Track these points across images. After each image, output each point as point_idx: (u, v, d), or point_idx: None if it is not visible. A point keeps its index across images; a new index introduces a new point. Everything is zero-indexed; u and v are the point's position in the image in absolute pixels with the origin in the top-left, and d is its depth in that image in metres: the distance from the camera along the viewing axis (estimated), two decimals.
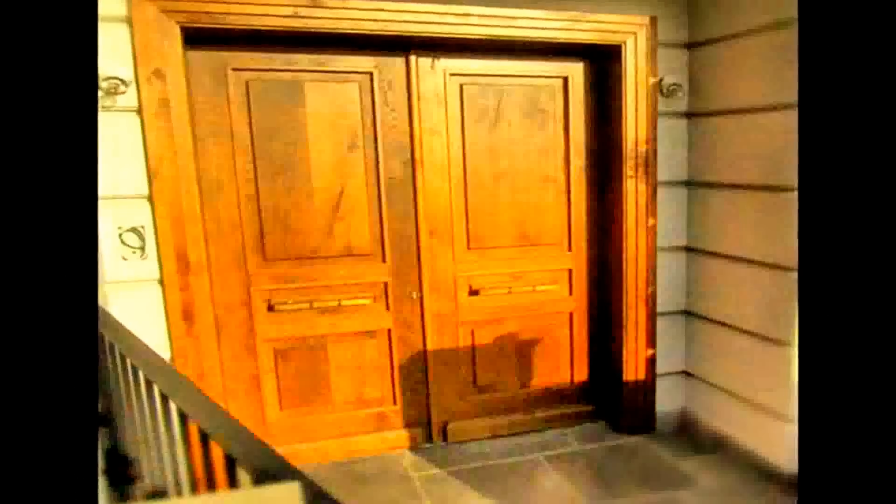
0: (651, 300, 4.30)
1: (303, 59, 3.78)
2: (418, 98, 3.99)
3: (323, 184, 3.91)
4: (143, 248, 3.43)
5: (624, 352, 4.34)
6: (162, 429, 1.84)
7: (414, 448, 4.32)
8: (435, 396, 4.35)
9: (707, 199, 4.12)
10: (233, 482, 1.36)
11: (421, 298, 4.20)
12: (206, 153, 3.69)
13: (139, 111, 3.33)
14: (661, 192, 4.20)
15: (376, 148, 3.97)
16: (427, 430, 4.38)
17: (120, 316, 2.91)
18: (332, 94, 3.85)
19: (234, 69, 3.68)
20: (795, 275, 3.52)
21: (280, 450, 1.31)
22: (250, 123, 3.75)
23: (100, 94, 3.22)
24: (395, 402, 4.31)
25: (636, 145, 4.08)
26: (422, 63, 3.97)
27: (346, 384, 4.19)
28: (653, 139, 4.11)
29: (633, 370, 4.36)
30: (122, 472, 2.43)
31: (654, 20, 3.99)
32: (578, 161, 4.33)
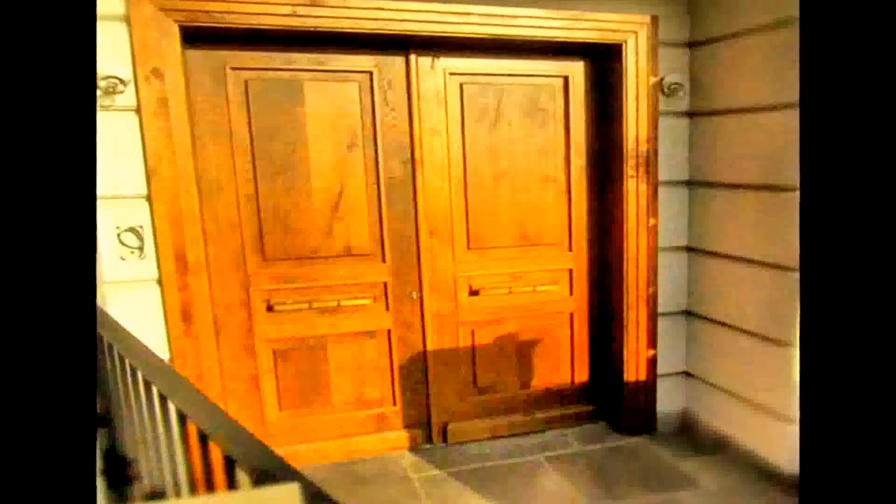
0: (652, 300, 4.29)
1: (302, 59, 3.77)
2: (418, 97, 3.98)
3: (322, 184, 3.89)
4: (141, 248, 3.41)
5: (625, 352, 4.32)
6: (161, 429, 1.83)
7: (414, 449, 4.31)
8: (435, 397, 4.33)
9: (708, 198, 4.11)
10: (232, 483, 1.36)
11: (421, 298, 4.18)
12: (204, 153, 3.67)
13: (138, 110, 3.32)
14: (661, 191, 4.19)
15: (376, 148, 3.96)
16: (427, 431, 4.37)
17: (118, 316, 2.88)
18: (331, 94, 3.84)
19: (233, 68, 3.67)
20: (797, 275, 3.51)
21: (279, 450, 1.32)
22: (249, 123, 3.74)
23: (98, 93, 3.22)
24: (394, 403, 4.30)
25: (637, 145, 4.07)
26: (422, 62, 3.96)
27: (345, 385, 4.17)
28: (654, 139, 4.10)
29: (633, 370, 4.35)
30: (121, 473, 2.43)
31: (654, 19, 3.98)
32: (579, 161, 4.32)
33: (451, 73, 4.03)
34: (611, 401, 4.55)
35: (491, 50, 4.02)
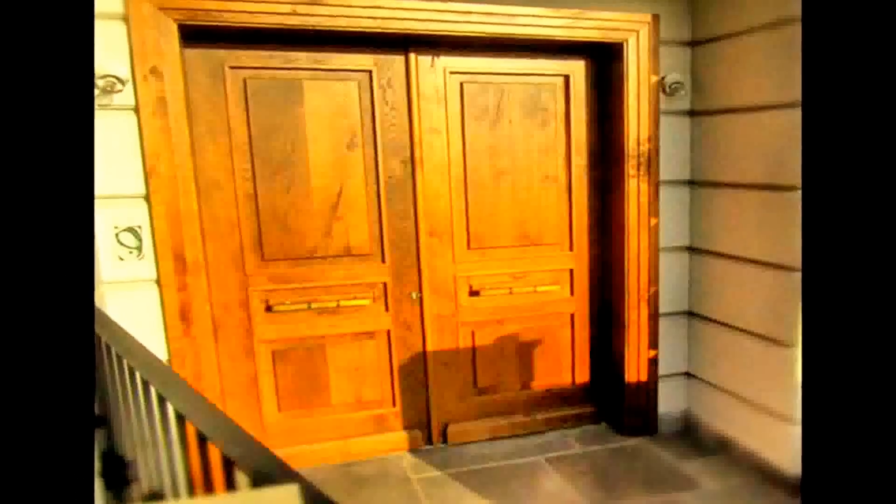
0: (653, 300, 4.27)
1: (301, 57, 3.75)
2: (418, 96, 3.96)
3: (321, 183, 3.88)
4: (139, 248, 3.40)
5: (626, 353, 4.31)
6: (159, 430, 1.82)
7: (413, 450, 4.29)
8: (435, 398, 4.32)
9: (710, 198, 4.09)
10: (230, 484, 1.35)
11: (421, 299, 4.17)
12: (203, 152, 3.66)
13: (136, 110, 3.30)
14: (663, 191, 4.18)
15: (375, 147, 3.94)
16: (427, 432, 4.35)
17: (116, 316, 2.90)
18: (330, 93, 3.83)
19: (232, 67, 3.66)
20: (799, 275, 3.50)
21: (278, 452, 1.31)
22: (248, 122, 3.72)
23: (96, 92, 3.20)
24: (394, 404, 4.28)
25: (638, 144, 4.06)
26: (421, 61, 3.94)
27: (344, 386, 4.15)
28: (655, 138, 4.08)
29: (634, 371, 4.33)
30: (119, 475, 2.42)
31: (656, 18, 3.97)
32: (580, 160, 4.30)
33: (452, 72, 4.02)
34: (612, 402, 4.53)
35: (491, 48, 4.00)
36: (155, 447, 1.91)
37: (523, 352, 4.47)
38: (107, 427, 2.53)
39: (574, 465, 4.08)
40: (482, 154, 4.14)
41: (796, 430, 3.63)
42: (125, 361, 2.04)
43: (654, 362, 4.36)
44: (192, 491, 1.74)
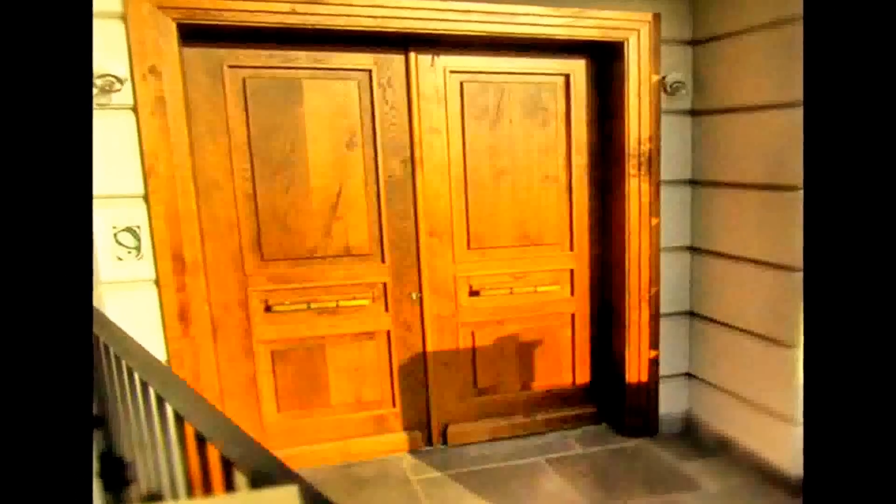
0: (654, 301, 4.26)
1: (300, 57, 3.74)
2: (418, 96, 3.95)
3: (321, 183, 3.87)
4: (138, 248, 3.39)
5: (626, 353, 4.30)
6: (157, 431, 1.82)
7: (413, 451, 4.28)
8: (435, 399, 4.31)
9: (711, 198, 4.08)
10: (229, 485, 1.35)
11: (421, 299, 4.15)
12: (202, 152, 3.65)
13: (134, 109, 3.29)
14: (664, 191, 4.17)
15: (375, 146, 3.93)
16: (427, 433, 4.34)
17: (115, 317, 2.90)
18: (330, 92, 3.82)
19: (231, 66, 3.65)
20: (800, 275, 3.49)
21: (278, 453, 1.31)
22: (247, 121, 3.71)
23: (94, 91, 3.18)
24: (394, 405, 4.27)
25: (639, 144, 4.05)
26: (421, 60, 3.93)
27: (344, 386, 4.14)
28: (656, 137, 4.07)
29: (635, 372, 4.32)
30: (117, 476, 2.41)
31: (657, 17, 3.96)
32: (580, 160, 4.29)
33: (452, 71, 4.01)
34: (612, 402, 4.52)
35: (491, 48, 4.00)
36: (154, 448, 1.91)
37: (523, 352, 4.45)
38: (105, 428, 2.53)
39: (574, 465, 4.07)
40: (482, 154, 4.13)
41: (797, 431, 3.62)
42: (124, 362, 2.04)
43: (654, 363, 4.35)
44: (190, 492, 1.73)
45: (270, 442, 3.96)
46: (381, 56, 3.87)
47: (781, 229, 3.57)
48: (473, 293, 4.27)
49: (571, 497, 3.73)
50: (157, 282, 3.44)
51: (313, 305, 3.97)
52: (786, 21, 3.41)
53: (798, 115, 3.38)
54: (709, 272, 4.18)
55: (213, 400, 3.51)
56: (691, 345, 4.41)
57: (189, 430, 1.58)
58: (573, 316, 4.50)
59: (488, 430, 4.41)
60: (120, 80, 3.19)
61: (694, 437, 4.38)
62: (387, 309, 4.13)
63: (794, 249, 3.50)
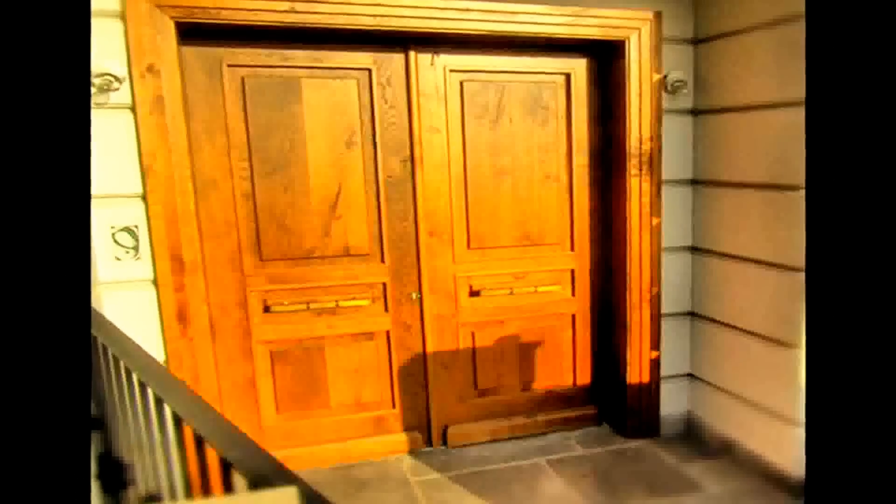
0: (655, 301, 4.25)
1: (299, 55, 3.73)
2: (418, 95, 3.94)
3: (320, 182, 3.85)
4: (136, 248, 3.38)
5: (628, 354, 4.28)
6: (156, 433, 1.82)
7: (413, 452, 4.26)
8: (435, 399, 4.29)
9: (713, 197, 4.07)
10: (228, 487, 1.35)
11: (420, 299, 4.14)
12: (200, 151, 3.63)
13: (133, 108, 3.28)
14: (665, 190, 4.16)
15: (375, 146, 3.91)
16: (427, 434, 4.32)
17: (113, 317, 2.89)
18: (329, 91, 3.80)
19: (230, 65, 3.63)
20: (803, 275, 3.47)
21: (276, 454, 1.33)
22: (246, 120, 3.69)
23: (92, 90, 3.18)
24: (393, 406, 4.25)
25: (640, 143, 4.03)
26: (421, 59, 3.92)
27: (343, 387, 4.13)
28: (657, 137, 4.06)
29: (636, 373, 4.30)
30: (116, 477, 2.42)
31: (658, 15, 3.95)
32: (581, 159, 4.27)
33: (452, 70, 3.99)
34: (614, 403, 4.51)
35: (492, 46, 3.98)
36: (152, 449, 1.91)
37: (524, 353, 4.44)
38: (104, 429, 2.53)
39: (575, 467, 4.05)
40: (482, 153, 4.11)
41: (800, 433, 3.60)
42: (122, 363, 2.04)
43: (656, 363, 4.34)
44: (189, 494, 1.73)
45: (269, 443, 3.94)
46: (381, 55, 3.85)
47: (783, 229, 3.56)
48: (473, 293, 4.25)
49: (572, 499, 3.71)
50: (155, 282, 3.42)
51: (312, 306, 3.96)
52: (788, 19, 3.40)
53: (800, 114, 3.37)
54: (710, 272, 4.16)
55: (212, 401, 3.51)
56: (693, 345, 4.39)
57: (188, 432, 1.58)
58: (574, 316, 4.48)
59: (489, 431, 4.39)
60: (118, 79, 3.18)
61: (695, 439, 4.36)
62: (386, 309, 4.11)
63: (796, 249, 3.49)
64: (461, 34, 3.74)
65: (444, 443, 4.33)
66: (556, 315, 4.45)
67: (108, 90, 3.19)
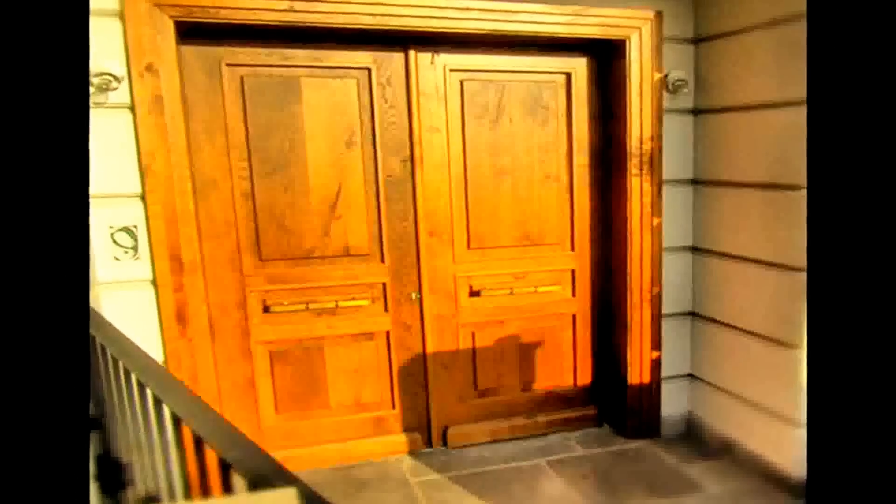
0: (656, 301, 4.24)
1: (299, 55, 3.72)
2: (417, 94, 3.93)
3: (320, 182, 3.84)
4: (135, 248, 3.37)
5: (628, 354, 4.27)
6: (155, 433, 1.82)
7: (413, 453, 4.25)
8: (435, 400, 4.28)
9: (714, 197, 4.06)
10: (228, 488, 1.35)
11: (420, 300, 4.13)
12: (199, 150, 3.62)
13: (131, 107, 3.27)
14: (666, 190, 4.15)
15: (374, 145, 3.90)
16: (426, 435, 4.31)
17: (112, 318, 2.88)
18: (329, 90, 3.79)
19: (229, 64, 3.62)
20: (804, 275, 3.46)
21: (276, 455, 1.33)
22: (245, 120, 3.68)
23: (91, 90, 3.16)
24: (393, 406, 4.24)
25: (641, 143, 4.02)
26: (421, 58, 3.91)
27: (343, 387, 4.12)
28: (658, 136, 4.05)
29: (637, 373, 4.29)
30: (115, 478, 2.42)
31: (659, 14, 3.94)
32: (581, 159, 4.26)
33: (452, 70, 3.98)
34: (614, 404, 4.50)
35: (492, 46, 3.97)
36: (151, 450, 1.91)
37: (524, 353, 4.43)
38: (102, 430, 2.53)
39: (576, 467, 4.05)
40: (482, 153, 4.10)
41: (801, 433, 3.59)
42: (121, 363, 2.04)
43: (656, 364, 4.33)
44: (188, 494, 1.74)
45: (268, 444, 3.93)
46: (381, 54, 3.84)
47: (784, 229, 3.55)
48: (474, 293, 4.24)
49: (572, 499, 3.70)
50: (154, 282, 3.41)
51: (312, 306, 3.94)
52: (789, 19, 3.39)
53: (801, 113, 3.36)
54: (711, 272, 4.15)
55: (211, 401, 3.50)
56: (693, 346, 4.38)
57: (187, 432, 1.59)
58: (574, 316, 4.47)
59: (489, 431, 4.38)
60: (117, 79, 3.17)
61: (696, 439, 4.35)
62: (386, 309, 4.10)
63: (797, 249, 3.48)
64: (461, 33, 3.73)
65: (444, 443, 4.32)
66: (557, 315, 4.44)
67: (107, 90, 3.18)
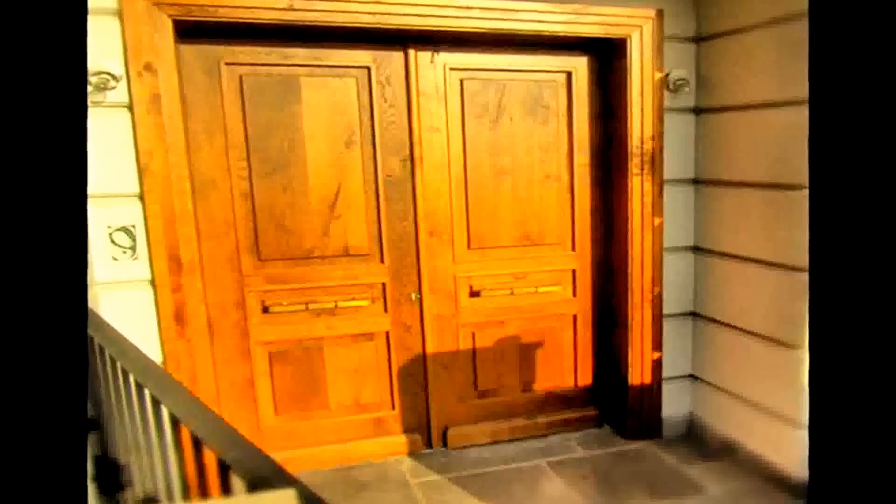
0: (657, 301, 4.22)
1: (298, 54, 3.71)
2: (417, 93, 3.91)
3: (319, 182, 3.83)
4: (133, 248, 3.36)
5: (629, 355, 4.26)
6: (153, 434, 1.82)
7: (413, 454, 4.24)
8: (435, 401, 4.27)
9: (715, 197, 4.05)
10: (226, 489, 1.35)
11: (420, 300, 4.11)
12: (198, 150, 3.61)
13: (130, 107, 3.26)
14: (667, 190, 4.13)
15: (374, 145, 3.89)
16: (426, 436, 4.30)
17: (110, 318, 2.87)
18: (328, 90, 3.78)
19: (228, 63, 3.61)
20: (805, 275, 3.44)
21: (275, 456, 1.33)
22: (244, 119, 3.67)
23: (89, 89, 3.15)
24: (393, 407, 4.23)
25: (642, 142, 4.01)
26: (421, 57, 3.89)
27: (343, 388, 4.10)
28: (659, 136, 4.03)
29: (638, 373, 4.28)
30: (113, 479, 2.43)
31: (660, 13, 3.93)
32: (582, 158, 4.25)
33: (452, 69, 3.97)
34: (615, 404, 4.48)
35: (492, 44, 3.96)
36: (149, 451, 1.91)
37: (525, 353, 4.42)
38: (100, 430, 2.55)
39: (576, 468, 4.03)
40: (483, 152, 4.09)
41: (802, 434, 3.58)
42: (119, 364, 2.05)
43: (657, 364, 4.32)
44: (187, 496, 1.74)
45: (268, 445, 3.91)
46: (380, 53, 3.83)
47: (786, 229, 3.54)
48: (474, 294, 4.23)
49: (573, 500, 3.69)
50: (152, 282, 3.40)
51: (311, 306, 3.93)
52: (791, 17, 3.38)
53: (803, 113, 3.34)
54: (712, 272, 4.14)
55: (210, 402, 3.49)
56: (695, 346, 4.37)
57: (185, 433, 1.59)
58: (575, 317, 4.46)
59: (489, 432, 4.37)
60: (115, 78, 3.16)
61: (697, 440, 4.34)
62: (386, 310, 4.09)
63: (799, 249, 3.47)
64: (461, 32, 3.71)
65: (444, 444, 4.30)
66: (557, 315, 4.43)
67: (105, 89, 3.17)
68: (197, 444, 1.50)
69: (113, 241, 3.32)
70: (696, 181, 4.18)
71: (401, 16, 3.54)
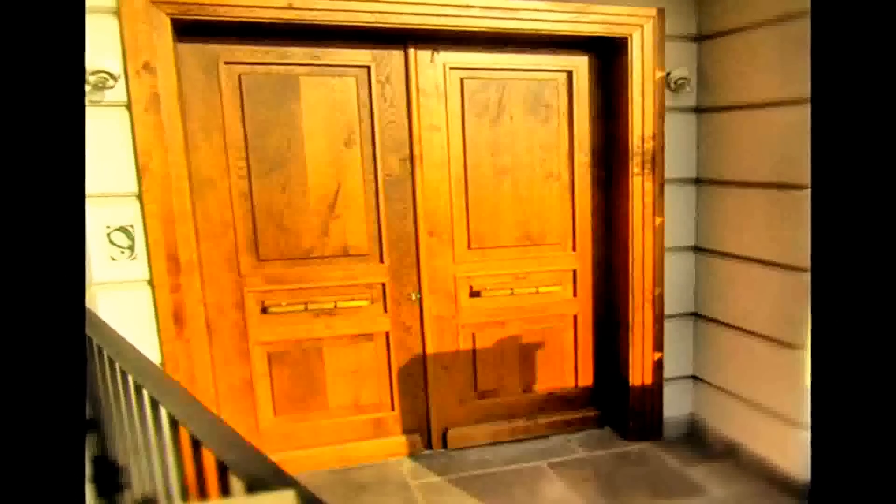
0: (658, 302, 4.21)
1: (297, 53, 3.69)
2: (417, 92, 3.90)
3: (318, 181, 3.81)
4: (132, 248, 3.35)
5: (630, 355, 4.25)
6: (152, 435, 1.82)
7: (413, 455, 4.23)
8: (434, 402, 4.26)
9: (716, 197, 4.04)
10: (225, 490, 1.35)
11: (420, 300, 4.10)
12: (197, 149, 3.60)
13: (128, 106, 3.25)
14: (668, 189, 4.13)
15: (374, 144, 3.88)
16: (426, 437, 4.29)
17: (108, 318, 2.87)
18: (327, 89, 3.77)
19: (227, 63, 3.60)
20: (808, 276, 3.45)
21: (274, 457, 1.34)
22: (243, 119, 3.66)
23: (87, 88, 3.15)
24: (393, 408, 4.22)
25: (643, 141, 4.00)
26: (421, 56, 3.88)
27: (342, 389, 4.09)
28: (660, 135, 4.03)
29: (639, 374, 4.27)
30: (111, 480, 2.42)
31: (661, 12, 3.92)
32: (583, 158, 4.24)
33: (452, 68, 3.96)
34: (616, 405, 4.47)
35: (492, 43, 3.95)
36: (148, 452, 1.90)
37: (525, 354, 4.41)
38: (98, 431, 2.55)
39: (577, 470, 4.02)
40: (483, 151, 4.08)
41: (805, 435, 3.56)
42: (117, 364, 2.04)
43: (659, 365, 4.31)
44: (185, 497, 1.74)
45: (267, 446, 3.89)
46: (380, 52, 3.82)
47: (788, 229, 3.53)
48: (474, 294, 4.22)
49: (574, 502, 3.68)
50: (150, 282, 3.39)
51: (311, 306, 3.92)
52: (793, 16, 3.38)
53: (804, 112, 3.34)
54: (714, 273, 4.13)
55: (208, 403, 3.48)
56: (696, 347, 4.36)
57: (184, 434, 1.58)
58: (576, 317, 4.45)
59: (489, 433, 4.36)
60: (113, 77, 3.16)
61: (699, 441, 4.33)
62: (385, 310, 4.08)
63: (801, 249, 3.46)
64: (461, 31, 3.70)
65: (444, 445, 4.29)
66: (558, 316, 4.41)
67: (104, 88, 3.17)
68: (195, 445, 1.50)
69: (111, 241, 3.31)
70: (697, 181, 4.17)
71: (400, 14, 3.53)
